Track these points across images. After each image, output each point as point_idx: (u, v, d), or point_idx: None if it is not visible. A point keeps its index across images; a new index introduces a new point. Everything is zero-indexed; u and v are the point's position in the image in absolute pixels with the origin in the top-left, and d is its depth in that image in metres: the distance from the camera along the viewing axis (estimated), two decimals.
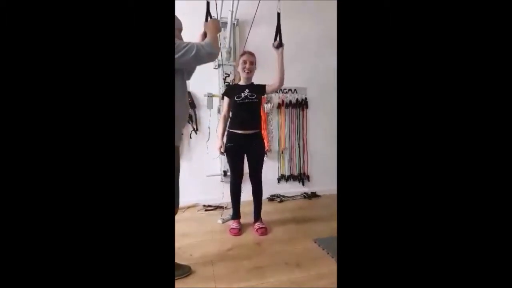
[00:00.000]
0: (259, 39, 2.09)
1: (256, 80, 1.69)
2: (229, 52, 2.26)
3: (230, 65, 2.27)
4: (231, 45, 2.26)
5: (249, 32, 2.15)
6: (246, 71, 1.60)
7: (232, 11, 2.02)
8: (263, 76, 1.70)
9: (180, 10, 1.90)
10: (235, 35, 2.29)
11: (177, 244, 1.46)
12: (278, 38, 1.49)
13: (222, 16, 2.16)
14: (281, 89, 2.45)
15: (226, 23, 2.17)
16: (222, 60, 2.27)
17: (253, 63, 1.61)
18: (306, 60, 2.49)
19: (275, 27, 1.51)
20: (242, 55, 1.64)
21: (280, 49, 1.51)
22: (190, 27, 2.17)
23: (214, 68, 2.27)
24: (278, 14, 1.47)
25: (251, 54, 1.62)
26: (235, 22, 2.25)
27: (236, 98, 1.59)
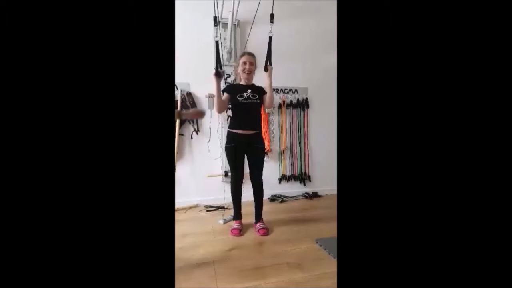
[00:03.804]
0: (260, 40, 2.09)
1: (257, 80, 1.69)
2: (229, 53, 2.26)
3: (231, 65, 2.27)
4: (232, 45, 2.26)
5: (249, 33, 2.15)
6: (246, 71, 1.60)
7: (233, 12, 2.03)
8: (264, 76, 1.71)
9: (181, 10, 1.92)
10: (235, 36, 2.29)
11: (178, 244, 1.47)
12: (267, 61, 1.52)
13: (222, 16, 2.17)
14: (282, 89, 2.46)
15: (227, 23, 2.17)
16: (223, 60, 2.27)
17: (252, 64, 1.62)
18: (307, 60, 2.49)
19: (276, 28, 1.52)
20: (242, 56, 1.64)
21: (268, 71, 1.54)
22: (190, 27, 2.19)
23: (214, 68, 2.27)
24: (270, 38, 1.50)
25: (250, 54, 1.63)
26: (236, 23, 2.26)
27: (239, 97, 1.59)
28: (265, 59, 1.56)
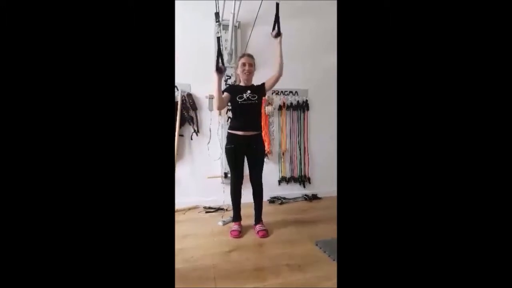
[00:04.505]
0: (260, 42, 2.10)
1: (256, 82, 1.70)
2: (230, 55, 2.27)
3: (231, 67, 2.28)
4: (233, 47, 2.27)
5: (250, 35, 2.16)
6: (245, 73, 1.61)
7: (234, 14, 2.03)
8: (264, 78, 1.71)
9: (181, 10, 1.92)
10: (236, 37, 2.30)
11: (178, 245, 1.46)
12: (276, 28, 1.50)
13: (223, 18, 2.17)
14: (282, 91, 2.46)
15: (228, 25, 2.18)
16: (223, 62, 2.27)
17: (252, 65, 1.62)
18: (307, 62, 2.50)
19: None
20: (241, 57, 1.65)
21: (279, 38, 1.53)
22: (190, 27, 2.19)
23: (216, 64, 2.27)
24: (277, 4, 1.48)
25: (250, 56, 1.63)
26: (237, 25, 2.27)
27: (238, 98, 1.60)
28: (272, 27, 1.51)
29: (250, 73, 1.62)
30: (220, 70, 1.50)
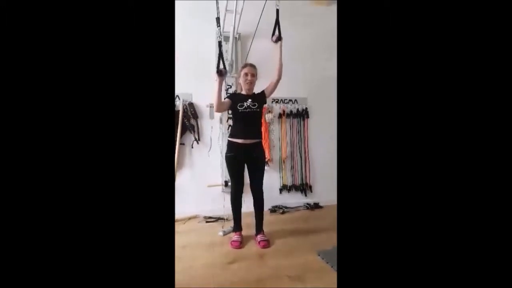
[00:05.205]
0: (260, 52, 2.14)
1: (256, 91, 1.72)
2: (231, 65, 2.31)
3: (232, 77, 2.32)
4: (233, 58, 2.31)
5: (250, 46, 2.21)
6: (247, 82, 1.63)
7: (234, 26, 2.09)
8: (264, 88, 1.72)
9: (181, 10, 1.96)
10: (237, 48, 2.35)
11: (177, 256, 1.43)
12: (277, 32, 1.55)
13: (224, 30, 2.22)
14: (282, 100, 2.48)
15: (229, 37, 2.23)
16: (224, 65, 2.29)
17: (254, 75, 1.65)
18: (306, 70, 2.53)
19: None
20: (243, 67, 1.68)
21: (279, 42, 1.57)
22: (190, 27, 2.25)
23: (216, 80, 2.31)
24: (277, 10, 1.54)
25: (252, 66, 1.66)
26: (237, 36, 2.32)
27: (239, 107, 1.62)
28: (273, 31, 1.56)
29: (251, 83, 1.65)
30: (220, 72, 1.51)
